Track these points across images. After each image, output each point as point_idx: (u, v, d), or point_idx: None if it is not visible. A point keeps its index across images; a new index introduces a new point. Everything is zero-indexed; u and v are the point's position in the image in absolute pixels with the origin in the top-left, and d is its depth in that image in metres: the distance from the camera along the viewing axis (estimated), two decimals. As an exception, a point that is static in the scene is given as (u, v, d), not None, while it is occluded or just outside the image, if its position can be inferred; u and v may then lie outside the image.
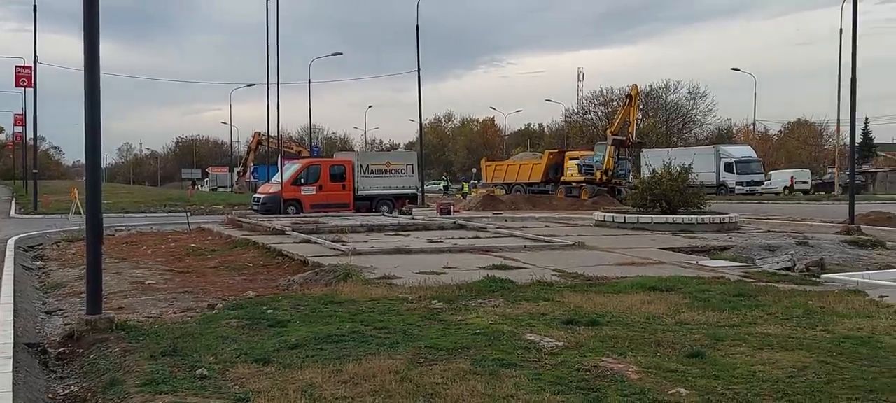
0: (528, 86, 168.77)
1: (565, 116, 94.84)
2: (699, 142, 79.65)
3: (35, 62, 41.83)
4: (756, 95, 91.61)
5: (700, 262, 14.80)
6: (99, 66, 8.74)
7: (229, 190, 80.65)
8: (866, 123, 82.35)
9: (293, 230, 20.65)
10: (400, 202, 34.65)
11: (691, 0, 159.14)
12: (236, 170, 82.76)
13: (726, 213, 24.15)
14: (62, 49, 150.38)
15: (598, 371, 6.52)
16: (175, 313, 10.01)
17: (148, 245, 19.90)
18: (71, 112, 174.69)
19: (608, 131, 44.88)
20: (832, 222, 24.44)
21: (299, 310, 9.35)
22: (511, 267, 13.41)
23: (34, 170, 44.42)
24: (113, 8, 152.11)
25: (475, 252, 16.21)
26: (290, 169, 35.34)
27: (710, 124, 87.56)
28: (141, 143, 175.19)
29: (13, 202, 48.70)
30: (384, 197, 35.10)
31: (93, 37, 8.68)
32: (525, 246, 17.24)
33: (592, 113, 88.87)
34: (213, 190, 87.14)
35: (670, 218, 22.86)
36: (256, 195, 36.74)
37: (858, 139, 59.07)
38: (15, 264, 15.85)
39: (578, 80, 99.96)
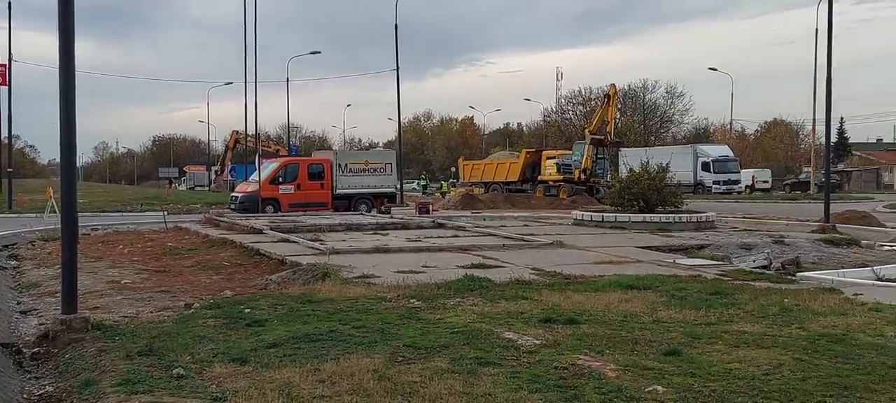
0: (507, 85, 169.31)
1: (544, 115, 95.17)
2: (677, 141, 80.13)
3: (10, 60, 41.37)
4: (733, 95, 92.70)
5: (677, 261, 14.88)
6: (74, 64, 8.67)
7: (207, 189, 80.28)
8: (841, 123, 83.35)
9: (271, 229, 20.57)
10: (379, 201, 34.58)
11: (669, 0, 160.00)
12: (214, 168, 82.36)
13: (703, 212, 24.30)
14: (37, 46, 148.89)
15: (576, 369, 6.54)
16: (151, 312, 9.94)
17: (124, 244, 19.76)
18: (46, 110, 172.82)
19: (586, 130, 45.06)
20: (808, 221, 24.65)
21: (277, 310, 9.31)
22: (489, 266, 13.43)
23: (9, 169, 43.89)
24: (88, 6, 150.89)
25: (454, 250, 16.22)
26: (268, 167, 35.19)
27: (688, 124, 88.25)
28: (117, 142, 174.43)
29: (-13, 201, 48.13)
30: (363, 196, 35.03)
31: (68, 34, 8.60)
32: (504, 245, 17.27)
33: (571, 112, 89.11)
34: (190, 189, 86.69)
35: (648, 216, 22.97)
36: (234, 194, 36.56)
37: (834, 139, 59.80)
38: (-11, 263, 15.69)
39: (557, 80, 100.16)
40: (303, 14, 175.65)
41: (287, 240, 18.03)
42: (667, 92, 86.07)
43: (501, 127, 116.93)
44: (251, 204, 32.43)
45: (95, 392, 6.22)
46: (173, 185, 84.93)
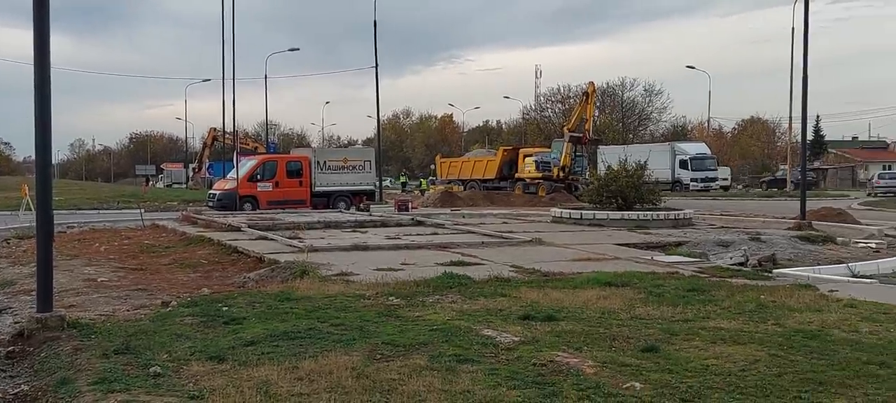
0: (486, 82, 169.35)
1: (523, 113, 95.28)
2: (655, 139, 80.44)
3: (-16, 56, 40.97)
4: (711, 93, 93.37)
5: (655, 258, 14.96)
6: (49, 61, 8.58)
7: (184, 186, 79.75)
8: (818, 121, 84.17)
9: (249, 227, 20.49)
10: (357, 198, 34.50)
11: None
12: (191, 166, 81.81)
13: (681, 209, 24.43)
14: (11, 42, 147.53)
15: (554, 366, 6.56)
16: (128, 310, 9.88)
17: (101, 242, 19.60)
18: (21, 107, 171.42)
19: (565, 128, 45.18)
20: (784, 218, 24.83)
21: (255, 307, 9.28)
22: (468, 264, 13.44)
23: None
24: (64, 3, 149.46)
25: (433, 248, 16.22)
26: (247, 165, 35.04)
27: (666, 121, 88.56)
28: (94, 139, 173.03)
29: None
30: (342, 193, 34.94)
31: (43, 31, 8.52)
32: (483, 243, 17.28)
33: (550, 110, 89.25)
34: (167, 186, 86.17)
35: (626, 214, 23.06)
36: (212, 191, 36.39)
37: (810, 136, 60.38)
38: (-37, 262, 15.53)
39: (536, 77, 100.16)
40: (282, 11, 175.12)
41: (265, 238, 17.96)
42: (645, 90, 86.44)
43: (481, 124, 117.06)
44: (229, 202, 32.30)
45: (71, 391, 6.17)
46: (151, 183, 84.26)
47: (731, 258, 14.95)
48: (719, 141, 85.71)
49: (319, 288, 10.62)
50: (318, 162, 35.15)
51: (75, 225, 25.85)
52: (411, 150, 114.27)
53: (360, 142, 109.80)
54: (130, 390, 6.02)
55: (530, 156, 45.70)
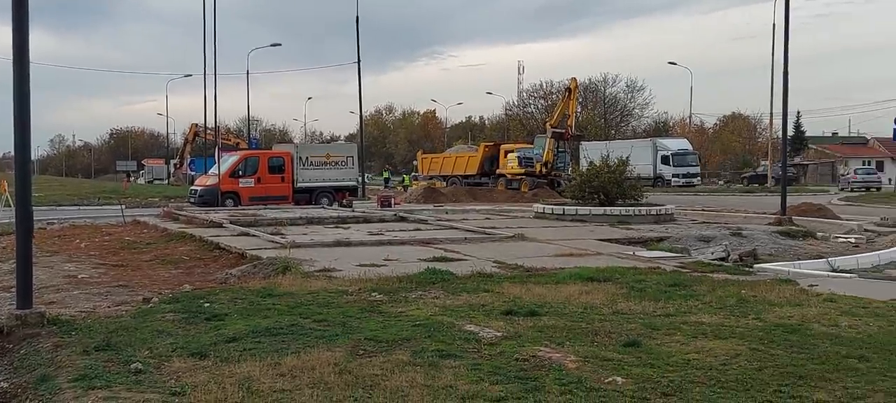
0: (469, 78, 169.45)
1: (506, 109, 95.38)
2: (637, 134, 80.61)
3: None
4: (692, 89, 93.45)
5: (637, 253, 15.02)
6: (28, 56, 8.52)
7: (166, 182, 79.31)
8: (798, 117, 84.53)
9: (231, 223, 20.41)
10: (340, 194, 34.40)
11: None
12: (173, 162, 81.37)
13: (663, 205, 24.56)
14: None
15: (537, 361, 6.58)
16: (109, 307, 9.82)
17: (81, 238, 19.47)
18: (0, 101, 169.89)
19: (548, 124, 45.27)
20: (765, 213, 24.97)
21: (237, 304, 9.25)
22: (451, 259, 13.46)
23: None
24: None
25: (416, 244, 16.22)
26: (228, 161, 34.89)
27: (648, 117, 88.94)
28: (74, 135, 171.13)
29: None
30: (324, 189, 34.83)
31: (22, 27, 8.44)
32: (465, 238, 17.30)
33: (532, 106, 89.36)
34: (149, 182, 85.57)
35: (608, 209, 23.15)
36: (194, 187, 36.18)
37: (790, 132, 60.61)
38: (-59, 258, 15.37)
39: (519, 73, 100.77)
40: (264, 7, 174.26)
41: (247, 234, 17.90)
42: (627, 86, 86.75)
43: (464, 120, 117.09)
44: (211, 198, 32.13)
45: (52, 388, 6.13)
46: (131, 179, 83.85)
47: (712, 253, 15.03)
48: (701, 137, 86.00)
49: (302, 285, 10.60)
50: (300, 158, 35.03)
51: (55, 221, 25.66)
52: (394, 146, 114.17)
53: (342, 137, 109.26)
54: (111, 387, 5.99)
55: (512, 151, 45.76)
